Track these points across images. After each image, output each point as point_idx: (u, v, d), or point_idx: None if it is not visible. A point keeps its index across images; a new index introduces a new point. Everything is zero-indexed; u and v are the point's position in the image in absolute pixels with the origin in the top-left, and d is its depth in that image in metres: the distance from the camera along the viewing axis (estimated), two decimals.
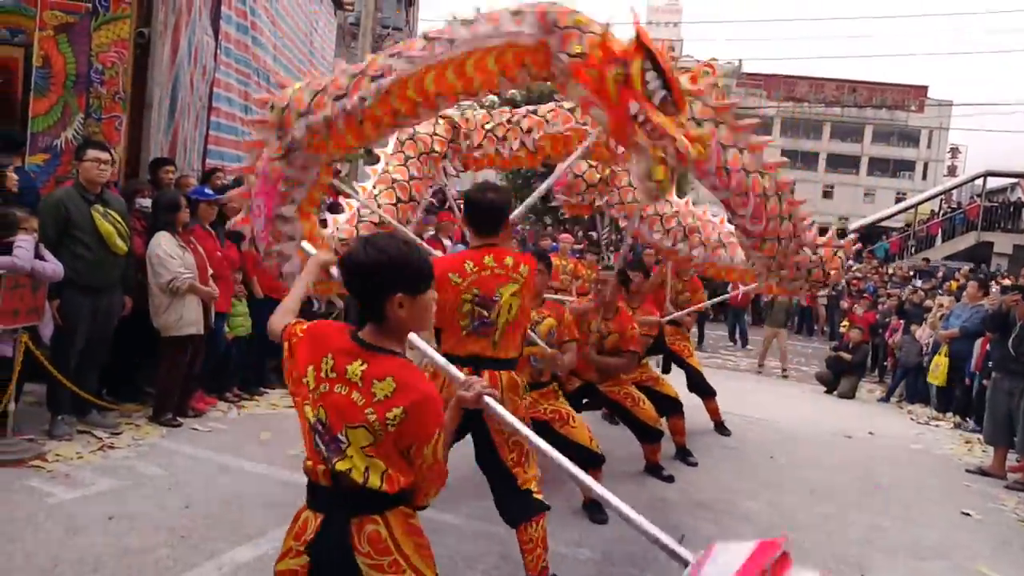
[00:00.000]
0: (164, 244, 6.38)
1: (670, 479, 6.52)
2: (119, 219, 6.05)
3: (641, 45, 3.40)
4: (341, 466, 2.29)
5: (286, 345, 2.48)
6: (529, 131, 6.07)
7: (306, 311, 3.84)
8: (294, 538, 2.40)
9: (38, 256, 5.44)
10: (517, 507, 4.12)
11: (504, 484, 4.13)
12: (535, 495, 4.11)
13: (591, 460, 5.21)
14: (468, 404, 2.54)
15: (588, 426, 5.41)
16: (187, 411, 6.80)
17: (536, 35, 3.61)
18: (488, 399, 2.53)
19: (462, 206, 4.17)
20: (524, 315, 4.21)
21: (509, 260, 4.07)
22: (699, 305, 8.50)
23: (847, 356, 12.81)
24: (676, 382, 7.55)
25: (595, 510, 5.47)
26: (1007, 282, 14.51)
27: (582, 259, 10.50)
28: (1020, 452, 8.11)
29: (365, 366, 2.29)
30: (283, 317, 2.66)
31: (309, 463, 2.36)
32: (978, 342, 10.01)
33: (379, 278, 2.33)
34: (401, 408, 2.24)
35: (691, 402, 7.94)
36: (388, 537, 2.34)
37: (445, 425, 2.39)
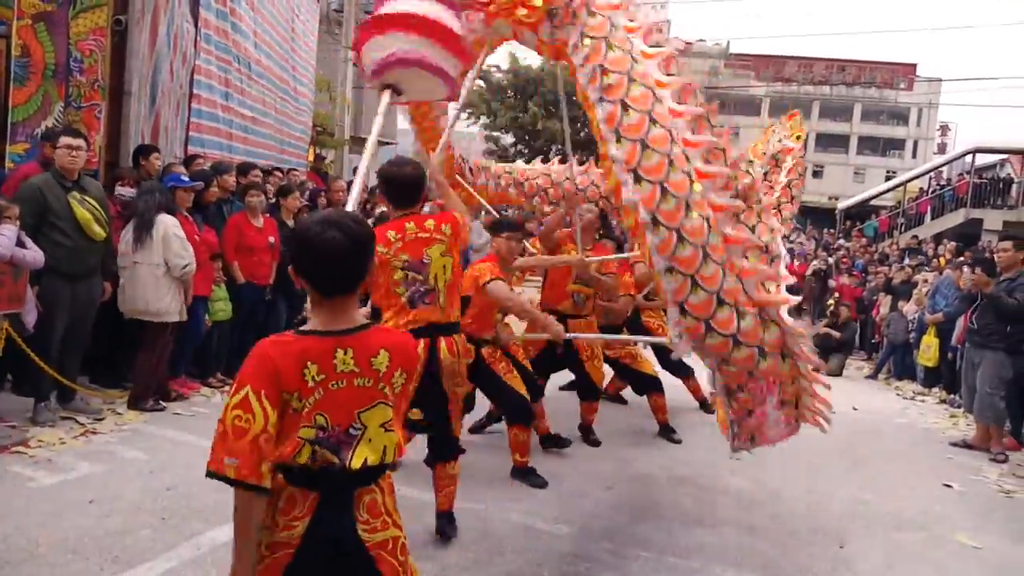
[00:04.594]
0: (177, 227, 6.47)
1: (596, 444, 6.85)
2: (97, 206, 6.05)
3: None
4: (357, 462, 2.31)
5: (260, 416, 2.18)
6: None
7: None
8: (282, 513, 2.32)
9: (19, 243, 5.44)
10: (448, 448, 4.50)
11: (443, 429, 4.46)
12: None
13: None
14: None
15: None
16: (170, 393, 6.84)
17: None
18: None
19: (380, 182, 4.24)
20: (457, 274, 4.40)
21: (430, 223, 4.22)
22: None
23: (836, 334, 12.84)
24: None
25: (530, 475, 5.67)
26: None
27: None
28: (976, 414, 8.19)
29: (351, 351, 2.30)
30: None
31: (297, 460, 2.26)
32: (961, 318, 10.06)
33: (372, 247, 2.40)
34: (400, 371, 2.39)
35: (675, 381, 7.97)
36: (381, 502, 2.44)
37: None
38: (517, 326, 6.10)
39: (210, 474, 2.19)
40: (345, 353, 2.28)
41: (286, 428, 2.23)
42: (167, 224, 6.43)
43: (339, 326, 2.31)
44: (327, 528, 2.33)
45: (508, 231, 5.55)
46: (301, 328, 2.34)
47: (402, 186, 4.17)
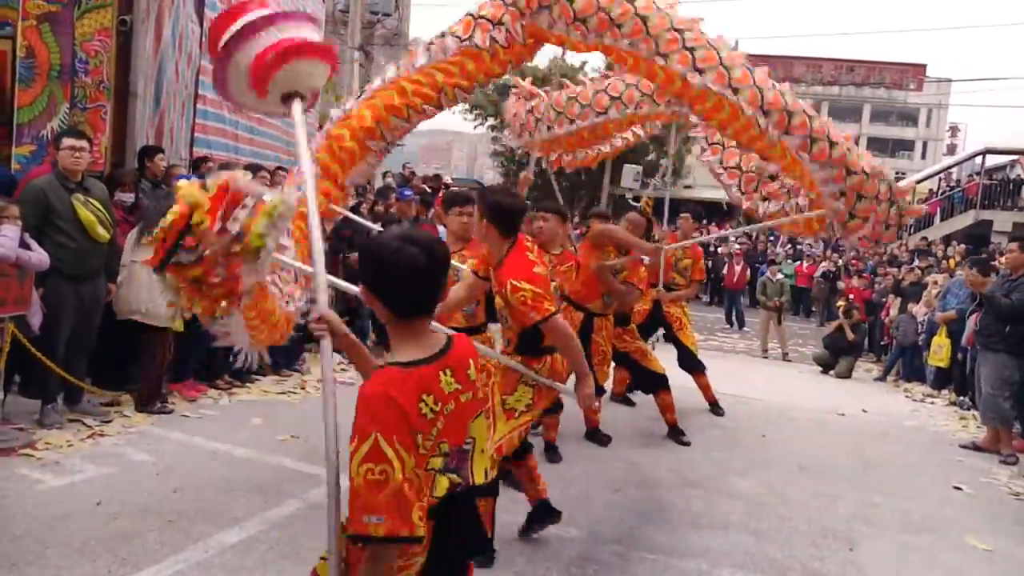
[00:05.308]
0: None
1: (607, 440, 6.90)
2: (100, 207, 6.04)
3: None
4: (479, 475, 2.37)
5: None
6: None
7: None
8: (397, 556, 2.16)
9: (23, 245, 5.42)
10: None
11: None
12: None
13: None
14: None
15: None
16: (166, 397, 6.82)
17: None
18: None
19: (485, 207, 4.28)
20: None
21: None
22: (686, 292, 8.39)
23: (851, 335, 12.74)
24: (664, 358, 7.56)
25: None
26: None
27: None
28: (981, 416, 8.29)
29: (450, 371, 2.22)
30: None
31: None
32: (970, 319, 9.98)
33: (448, 266, 2.32)
34: (482, 372, 2.40)
35: (684, 383, 7.95)
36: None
37: None
38: None
39: (355, 537, 2.06)
40: (446, 374, 2.20)
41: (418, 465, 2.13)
42: None
43: (433, 349, 2.23)
44: (453, 554, 2.26)
45: (458, 205, 5.46)
46: (398, 360, 2.18)
47: (516, 215, 4.24)
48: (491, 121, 31.62)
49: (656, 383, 7.09)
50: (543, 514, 4.68)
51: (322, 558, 2.30)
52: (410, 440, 2.04)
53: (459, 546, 2.27)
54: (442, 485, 2.16)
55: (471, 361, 2.31)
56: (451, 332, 2.36)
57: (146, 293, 6.35)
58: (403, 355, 2.18)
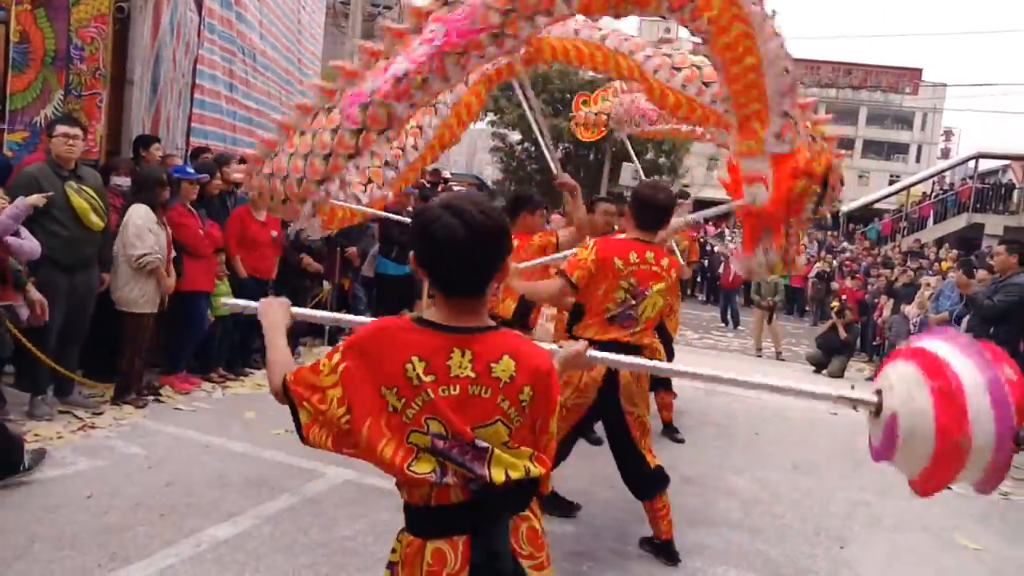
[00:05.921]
0: (141, 217, 6.33)
1: (598, 442, 6.50)
2: (94, 195, 5.97)
3: None
4: (498, 475, 1.95)
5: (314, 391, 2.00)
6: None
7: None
8: None
9: (15, 233, 5.34)
10: (646, 484, 4.49)
11: (632, 461, 4.47)
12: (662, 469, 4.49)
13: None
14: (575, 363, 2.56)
15: None
16: (152, 385, 6.77)
17: None
18: (592, 352, 2.60)
19: (633, 203, 4.39)
20: (659, 313, 4.55)
21: (665, 261, 4.36)
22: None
23: (844, 335, 12.77)
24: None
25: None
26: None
27: None
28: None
29: (469, 353, 1.96)
30: (283, 370, 2.12)
31: (427, 490, 1.97)
32: (964, 320, 10.00)
33: (502, 241, 2.02)
34: (529, 386, 2.00)
35: (681, 382, 7.92)
36: (540, 530, 2.09)
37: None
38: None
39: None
40: (463, 355, 1.95)
41: (392, 429, 1.92)
42: (134, 213, 6.34)
43: (462, 323, 1.99)
44: (487, 566, 1.98)
45: (532, 206, 5.67)
46: (421, 316, 2.01)
47: (656, 210, 4.26)
48: (490, 116, 31.36)
49: (659, 381, 7.06)
50: (658, 552, 4.61)
51: (393, 549, 2.12)
52: (360, 382, 1.93)
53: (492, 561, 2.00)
54: (423, 467, 1.92)
55: (508, 360, 1.98)
56: (510, 330, 2.11)
57: (114, 280, 6.34)
58: (427, 314, 2.02)
